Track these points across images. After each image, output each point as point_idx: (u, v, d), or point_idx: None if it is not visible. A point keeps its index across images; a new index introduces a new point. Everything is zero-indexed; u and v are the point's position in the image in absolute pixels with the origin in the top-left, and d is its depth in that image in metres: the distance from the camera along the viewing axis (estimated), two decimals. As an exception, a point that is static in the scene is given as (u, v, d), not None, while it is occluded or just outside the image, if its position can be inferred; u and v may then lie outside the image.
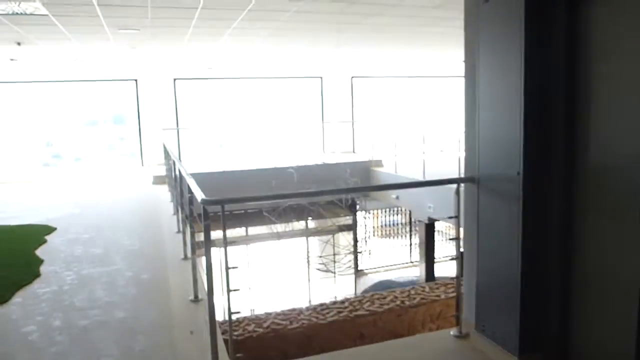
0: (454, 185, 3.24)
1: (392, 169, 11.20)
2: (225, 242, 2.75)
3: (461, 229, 3.27)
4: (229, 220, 2.72)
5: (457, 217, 3.23)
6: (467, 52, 3.10)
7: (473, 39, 2.96)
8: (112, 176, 12.20)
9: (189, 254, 5.18)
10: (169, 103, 12.76)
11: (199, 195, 2.83)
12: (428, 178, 9.74)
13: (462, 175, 3.32)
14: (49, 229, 6.58)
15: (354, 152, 14.36)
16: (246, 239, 11.76)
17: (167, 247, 5.73)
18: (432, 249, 10.73)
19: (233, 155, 14.14)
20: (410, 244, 15.82)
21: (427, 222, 10.02)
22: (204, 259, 2.75)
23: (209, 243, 2.68)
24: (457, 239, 3.27)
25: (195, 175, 3.80)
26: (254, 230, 11.91)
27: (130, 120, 14.08)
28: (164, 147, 9.75)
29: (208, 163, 11.73)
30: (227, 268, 2.77)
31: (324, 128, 14.27)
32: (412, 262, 15.72)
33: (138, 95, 12.65)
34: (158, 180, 10.54)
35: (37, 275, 4.76)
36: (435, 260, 11.02)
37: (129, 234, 6.35)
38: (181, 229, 6.22)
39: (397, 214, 15.57)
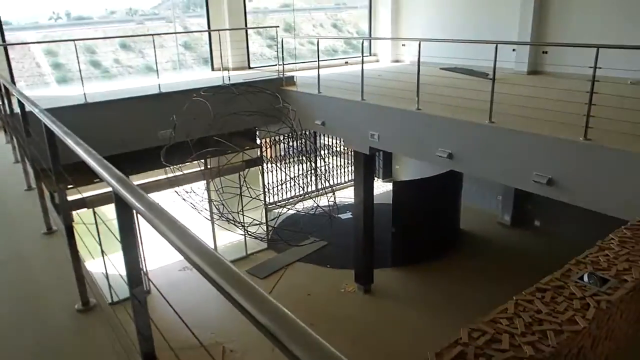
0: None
1: (311, 88, 8.94)
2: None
3: None
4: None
5: None
6: None
7: None
8: None
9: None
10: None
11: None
12: (367, 100, 7.73)
13: None
14: None
15: (249, 67, 11.65)
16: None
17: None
18: (372, 183, 9.03)
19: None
20: (314, 172, 14.06)
21: (368, 153, 8.12)
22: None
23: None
24: None
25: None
26: (139, 177, 8.94)
27: None
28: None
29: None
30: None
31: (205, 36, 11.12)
32: (317, 190, 14.06)
33: None
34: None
35: None
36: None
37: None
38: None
39: (296, 140, 13.38)
